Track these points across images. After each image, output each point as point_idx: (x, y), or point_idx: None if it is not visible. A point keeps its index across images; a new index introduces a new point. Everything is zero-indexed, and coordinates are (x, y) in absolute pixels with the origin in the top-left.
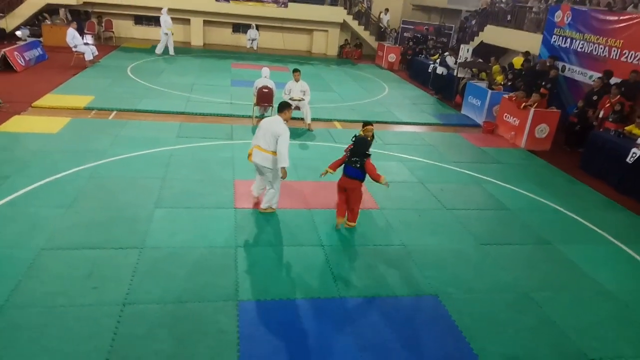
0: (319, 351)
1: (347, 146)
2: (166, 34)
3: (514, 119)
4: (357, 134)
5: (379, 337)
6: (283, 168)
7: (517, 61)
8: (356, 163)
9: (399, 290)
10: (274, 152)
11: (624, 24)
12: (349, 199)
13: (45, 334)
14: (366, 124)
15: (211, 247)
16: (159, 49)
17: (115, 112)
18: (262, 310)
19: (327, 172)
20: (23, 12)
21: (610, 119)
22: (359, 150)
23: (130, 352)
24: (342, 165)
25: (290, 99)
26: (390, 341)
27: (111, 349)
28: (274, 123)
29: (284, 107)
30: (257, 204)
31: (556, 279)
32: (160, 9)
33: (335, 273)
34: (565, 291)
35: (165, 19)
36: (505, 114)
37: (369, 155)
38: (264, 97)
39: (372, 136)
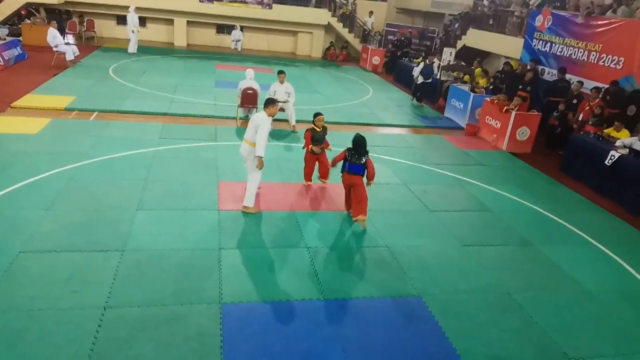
0: (303, 354)
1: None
2: (133, 31)
3: (496, 121)
4: (356, 135)
5: (363, 339)
6: (259, 158)
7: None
8: (359, 160)
9: (384, 291)
10: (252, 143)
11: (603, 29)
12: (354, 195)
13: (23, 339)
14: (317, 114)
15: (194, 249)
16: (131, 49)
17: (96, 112)
18: (245, 312)
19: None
20: (2, 11)
21: (590, 122)
22: (362, 148)
23: (111, 357)
24: (342, 163)
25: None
26: (375, 343)
27: (92, 353)
28: (258, 116)
29: (268, 102)
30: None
31: (538, 279)
32: (142, 8)
33: (319, 275)
34: (546, 291)
35: (132, 17)
36: (488, 117)
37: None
38: (248, 99)
39: (325, 127)
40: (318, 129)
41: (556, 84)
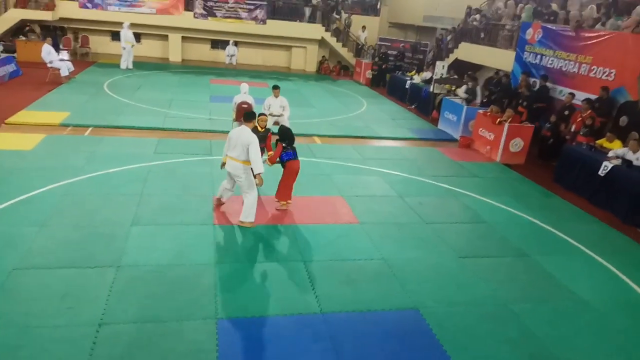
0: None
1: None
2: (124, 48)
3: (489, 133)
4: (285, 129)
5: (360, 353)
6: (259, 175)
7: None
8: (293, 147)
9: (380, 304)
10: (245, 162)
11: (593, 41)
12: (293, 179)
13: (17, 356)
14: (261, 114)
15: (190, 264)
16: (123, 64)
17: (91, 128)
18: (241, 328)
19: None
20: None
21: (582, 133)
22: (292, 137)
23: None
24: (282, 154)
25: (269, 114)
26: (372, 356)
27: None
28: (242, 133)
29: (250, 117)
30: (219, 206)
31: (534, 290)
32: (137, 24)
33: (316, 289)
34: (543, 302)
35: (125, 32)
36: (481, 129)
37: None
38: (243, 113)
39: (267, 129)
40: (260, 129)
41: (539, 91)
